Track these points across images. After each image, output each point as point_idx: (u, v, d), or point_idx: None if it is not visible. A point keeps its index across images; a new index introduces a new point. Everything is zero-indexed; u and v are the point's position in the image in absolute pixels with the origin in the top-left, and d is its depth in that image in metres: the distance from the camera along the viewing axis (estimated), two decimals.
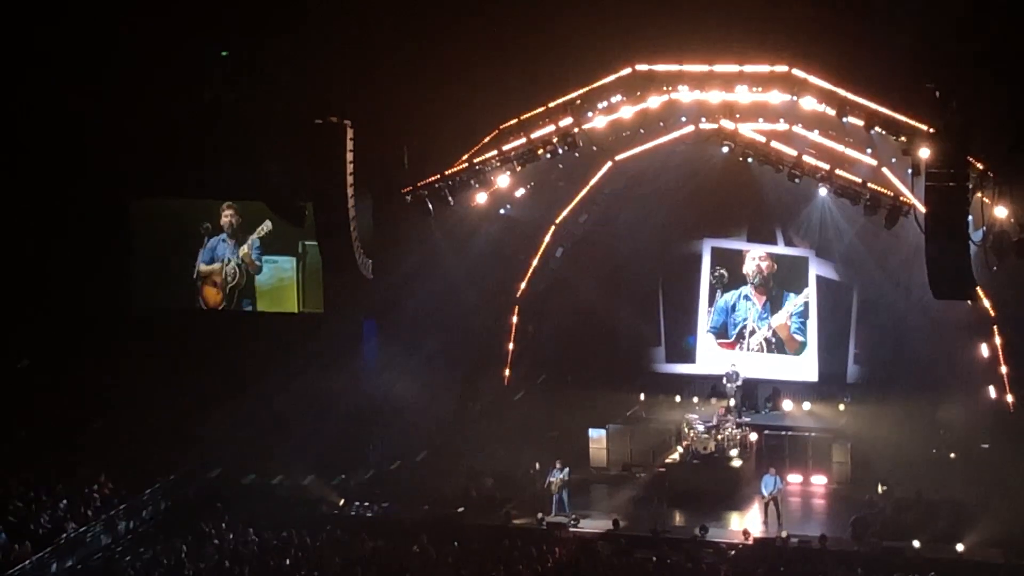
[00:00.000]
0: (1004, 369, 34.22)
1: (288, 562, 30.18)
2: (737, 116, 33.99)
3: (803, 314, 40.31)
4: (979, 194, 28.19)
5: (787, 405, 39.01)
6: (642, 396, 39.97)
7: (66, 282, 39.45)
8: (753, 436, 36.10)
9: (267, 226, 39.98)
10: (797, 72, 32.78)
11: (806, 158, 33.38)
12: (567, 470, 33.74)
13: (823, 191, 34.79)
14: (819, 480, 35.42)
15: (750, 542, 31.58)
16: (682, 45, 33.62)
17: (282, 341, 38.84)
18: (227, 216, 40.53)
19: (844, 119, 32.54)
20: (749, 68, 33.14)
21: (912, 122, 30.87)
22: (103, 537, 31.82)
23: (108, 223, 40.17)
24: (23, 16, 37.20)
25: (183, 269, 40.82)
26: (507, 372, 39.81)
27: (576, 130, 34.26)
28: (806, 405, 39.08)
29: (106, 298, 39.91)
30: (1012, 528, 30.44)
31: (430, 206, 35.05)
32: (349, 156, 31.74)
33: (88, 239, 39.81)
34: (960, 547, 30.22)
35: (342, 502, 34.28)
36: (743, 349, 40.70)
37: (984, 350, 34.44)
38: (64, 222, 39.52)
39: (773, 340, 40.62)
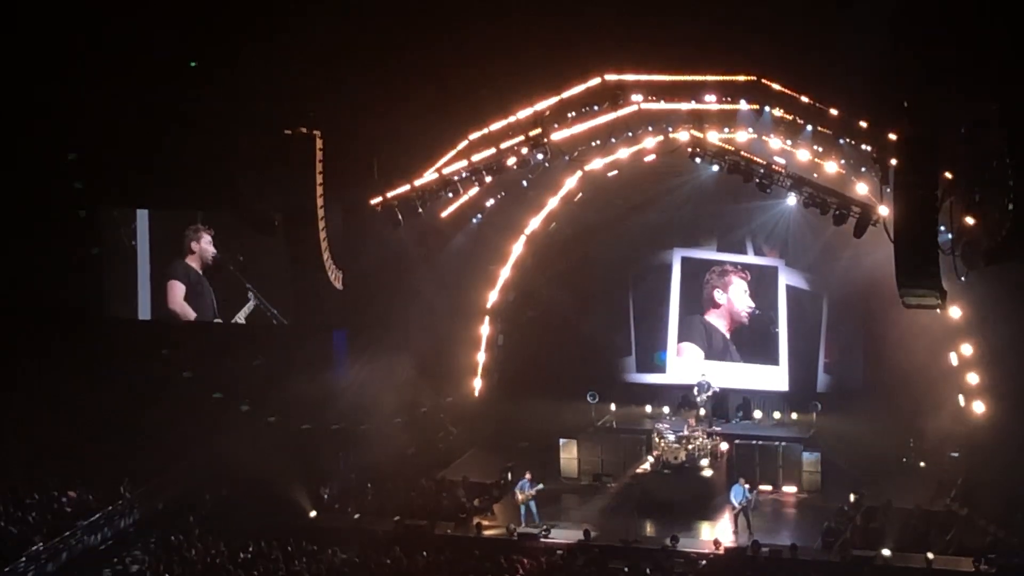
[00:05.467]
0: (973, 377, 34.30)
1: (257, 574, 30.08)
2: (706, 126, 34.06)
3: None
4: (948, 202, 28.22)
5: (757, 415, 39.03)
6: (613, 406, 39.88)
7: (34, 287, 39.20)
8: (724, 446, 36.11)
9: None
10: (765, 82, 32.85)
11: (775, 167, 33.47)
12: (540, 486, 33.57)
13: (792, 200, 34.92)
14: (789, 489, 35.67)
15: (721, 552, 31.59)
16: (651, 55, 33.69)
17: (253, 352, 38.66)
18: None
19: (812, 128, 32.63)
20: (718, 78, 33.21)
21: (880, 131, 30.96)
22: (72, 549, 31.60)
23: (79, 230, 39.95)
24: None
25: (152, 277, 40.48)
26: (478, 382, 39.72)
27: (545, 140, 34.28)
28: (776, 414, 39.08)
29: (74, 304, 39.67)
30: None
31: (400, 216, 35.01)
32: (319, 166, 31.69)
33: (59, 246, 39.58)
34: (930, 555, 30.30)
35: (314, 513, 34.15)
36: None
37: (954, 359, 34.52)
38: (35, 227, 39.27)
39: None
